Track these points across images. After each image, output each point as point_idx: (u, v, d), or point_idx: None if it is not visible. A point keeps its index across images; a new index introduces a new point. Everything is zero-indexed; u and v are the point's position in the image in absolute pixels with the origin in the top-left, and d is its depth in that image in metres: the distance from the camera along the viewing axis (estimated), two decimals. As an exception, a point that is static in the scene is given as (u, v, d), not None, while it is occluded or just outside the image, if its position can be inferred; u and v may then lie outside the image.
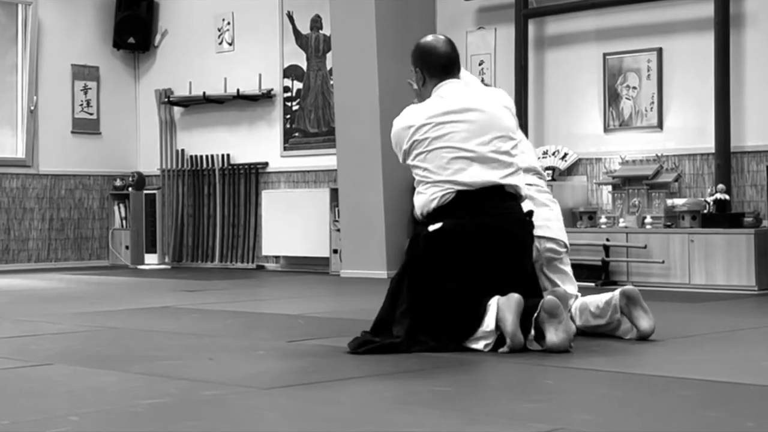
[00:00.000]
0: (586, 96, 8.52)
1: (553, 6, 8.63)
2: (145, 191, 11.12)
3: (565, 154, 8.44)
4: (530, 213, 4.34)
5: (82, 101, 11.14)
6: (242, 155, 10.66)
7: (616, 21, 8.39)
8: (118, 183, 11.23)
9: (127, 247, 11.13)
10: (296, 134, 10.28)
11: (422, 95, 4.43)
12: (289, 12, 10.29)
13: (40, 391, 3.32)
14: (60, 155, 10.93)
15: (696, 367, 3.79)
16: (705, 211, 7.53)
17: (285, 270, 10.18)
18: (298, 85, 10.25)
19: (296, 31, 10.24)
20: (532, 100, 8.71)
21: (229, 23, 10.76)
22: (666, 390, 3.26)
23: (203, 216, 10.90)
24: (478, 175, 4.20)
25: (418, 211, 4.30)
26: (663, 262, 7.50)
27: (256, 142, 10.58)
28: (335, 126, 9.38)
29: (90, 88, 11.20)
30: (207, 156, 10.87)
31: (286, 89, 10.35)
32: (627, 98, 8.29)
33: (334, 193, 9.54)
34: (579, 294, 4.64)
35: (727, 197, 7.49)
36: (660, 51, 8.14)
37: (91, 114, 11.22)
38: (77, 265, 10.90)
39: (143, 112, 11.51)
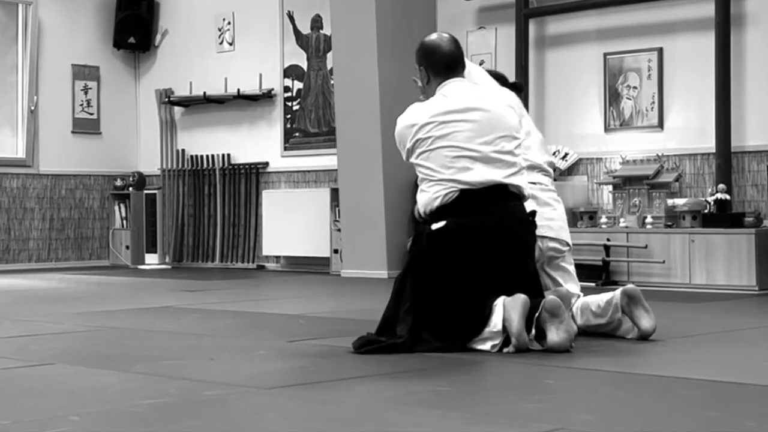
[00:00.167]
0: (586, 96, 8.51)
1: (554, 6, 8.63)
2: (146, 191, 11.12)
3: (566, 154, 8.44)
4: (533, 213, 4.34)
5: (82, 101, 11.14)
6: (243, 155, 10.66)
7: (616, 21, 8.38)
8: (118, 183, 11.23)
9: (127, 247, 11.13)
10: (297, 134, 10.28)
11: (427, 93, 4.42)
12: (289, 12, 10.29)
13: (41, 391, 3.32)
14: (60, 155, 10.93)
15: (697, 367, 3.79)
16: (706, 211, 7.53)
17: (285, 270, 10.18)
18: (298, 84, 10.25)
19: (297, 31, 10.24)
20: (532, 100, 8.71)
21: (229, 23, 10.76)
22: (667, 390, 3.26)
23: (204, 216, 10.90)
24: (481, 175, 4.20)
25: (421, 209, 4.30)
26: (663, 262, 7.50)
27: (257, 142, 10.58)
28: (336, 126, 9.38)
29: (90, 88, 11.20)
30: (207, 156, 10.87)
31: (286, 89, 10.34)
32: (627, 98, 8.29)
33: (335, 193, 9.54)
34: (581, 294, 4.64)
35: (728, 197, 7.49)
36: (660, 51, 8.13)
37: (92, 114, 11.22)
38: (78, 265, 10.90)
39: (144, 112, 11.51)
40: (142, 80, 11.54)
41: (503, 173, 4.23)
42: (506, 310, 4.00)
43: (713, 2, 7.72)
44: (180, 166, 11.07)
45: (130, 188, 11.15)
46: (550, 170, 4.82)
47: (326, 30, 9.92)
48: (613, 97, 8.36)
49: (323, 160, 10.00)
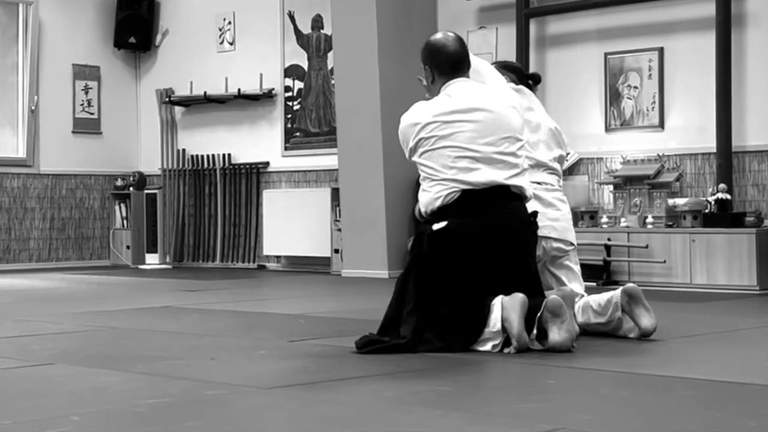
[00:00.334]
0: (587, 95, 8.51)
1: (555, 5, 8.63)
2: (146, 191, 11.11)
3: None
4: (534, 213, 4.33)
5: (83, 101, 11.14)
6: (243, 155, 10.66)
7: (617, 20, 8.38)
8: (119, 183, 11.23)
9: (128, 247, 11.12)
10: (297, 134, 10.28)
11: (431, 93, 4.42)
12: (290, 11, 10.29)
13: (41, 391, 3.32)
14: (61, 155, 10.93)
15: (697, 366, 3.79)
16: (706, 211, 7.52)
17: (286, 270, 10.17)
18: (299, 84, 10.25)
19: (297, 31, 10.24)
20: (533, 99, 8.70)
21: (230, 23, 10.76)
22: (668, 390, 3.26)
23: (204, 216, 10.90)
24: (483, 175, 4.19)
25: (422, 209, 4.29)
26: (664, 261, 7.50)
27: (257, 141, 10.58)
28: (336, 125, 9.38)
29: (91, 88, 11.19)
30: (208, 156, 10.87)
31: (287, 89, 10.34)
32: (628, 98, 8.29)
33: (335, 193, 9.53)
34: (585, 294, 4.63)
35: (729, 197, 7.49)
36: (661, 50, 8.13)
37: (92, 114, 11.22)
38: (78, 265, 10.90)
39: (144, 112, 11.51)
40: (142, 80, 11.54)
41: (505, 174, 4.22)
42: (505, 310, 4.00)
43: (714, 2, 7.71)
44: (180, 165, 11.07)
45: (131, 188, 11.15)
46: (558, 167, 4.76)
47: (327, 30, 9.92)
48: (613, 96, 8.36)
49: (324, 159, 10.00)
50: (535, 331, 4.00)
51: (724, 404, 3.06)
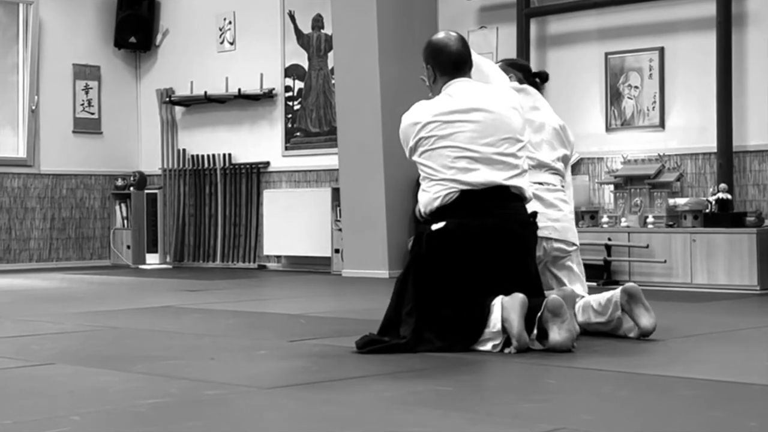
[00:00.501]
0: (587, 95, 8.51)
1: (555, 5, 8.63)
2: (147, 191, 11.11)
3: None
4: (534, 214, 4.32)
5: (83, 101, 11.14)
6: (243, 155, 10.66)
7: (617, 20, 8.38)
8: (119, 182, 11.22)
9: (128, 247, 11.12)
10: (298, 134, 10.28)
11: (433, 92, 4.41)
12: (290, 11, 10.28)
13: (42, 390, 3.32)
14: (61, 155, 10.93)
15: (698, 366, 3.79)
16: (707, 211, 7.52)
17: (286, 270, 10.17)
18: (299, 84, 10.25)
19: (298, 31, 10.23)
20: (533, 99, 8.70)
21: (230, 23, 10.76)
22: (668, 390, 3.25)
23: (205, 216, 10.90)
24: (481, 176, 4.19)
25: (421, 209, 4.29)
26: (665, 261, 7.49)
27: (258, 141, 10.58)
28: (337, 125, 9.38)
29: (91, 88, 11.19)
30: (208, 155, 10.87)
31: (287, 89, 10.34)
32: (629, 97, 8.28)
33: (336, 193, 9.53)
34: (586, 294, 4.62)
35: (729, 197, 7.49)
36: (662, 50, 8.13)
37: (93, 113, 11.22)
38: (78, 265, 10.90)
39: (144, 112, 11.51)
40: (143, 80, 11.53)
41: (504, 175, 4.22)
42: (505, 310, 4.00)
43: (714, 2, 7.71)
44: (181, 165, 11.07)
45: (131, 188, 11.15)
46: (560, 167, 4.72)
47: (327, 29, 9.92)
48: (614, 96, 8.36)
49: (324, 159, 10.00)
50: (535, 331, 4.00)
51: (725, 404, 3.06)
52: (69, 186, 11.01)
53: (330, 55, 9.84)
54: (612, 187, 8.19)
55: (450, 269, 4.12)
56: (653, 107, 8.15)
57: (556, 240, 4.58)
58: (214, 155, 10.83)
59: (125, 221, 11.20)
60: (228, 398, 3.10)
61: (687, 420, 2.81)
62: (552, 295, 4.05)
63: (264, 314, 5.88)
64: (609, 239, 7.77)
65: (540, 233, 4.40)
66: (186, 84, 10.95)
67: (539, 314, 3.99)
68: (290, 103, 10.32)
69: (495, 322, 4.01)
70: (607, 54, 8.41)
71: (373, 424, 2.77)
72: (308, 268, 9.96)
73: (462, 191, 4.18)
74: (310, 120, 10.18)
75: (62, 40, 10.97)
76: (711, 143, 7.79)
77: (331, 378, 3.51)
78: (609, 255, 7.75)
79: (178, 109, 11.23)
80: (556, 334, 3.97)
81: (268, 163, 10.49)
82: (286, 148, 10.37)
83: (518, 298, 3.99)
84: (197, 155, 10.95)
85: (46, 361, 3.91)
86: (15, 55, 10.71)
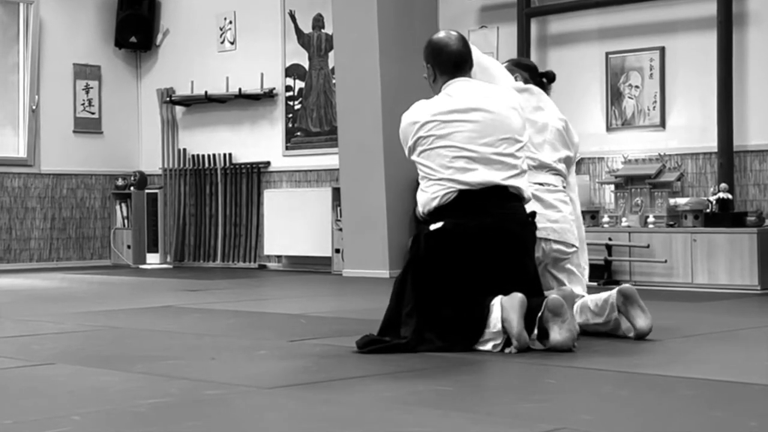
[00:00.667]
0: (588, 95, 8.51)
1: (556, 5, 8.63)
2: (147, 191, 11.11)
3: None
4: (533, 214, 4.32)
5: (83, 100, 11.14)
6: (244, 154, 10.66)
7: (618, 20, 8.38)
8: (119, 182, 11.22)
9: (128, 247, 11.12)
10: (298, 133, 10.28)
11: (433, 91, 4.41)
12: (291, 11, 10.28)
13: (42, 390, 3.32)
14: (62, 154, 10.93)
15: (698, 366, 3.79)
16: (707, 211, 7.52)
17: (287, 269, 10.17)
18: (300, 84, 10.25)
19: (298, 30, 10.23)
20: (534, 99, 8.70)
21: (231, 22, 10.76)
22: (669, 390, 3.25)
23: (205, 215, 10.90)
24: (479, 176, 4.18)
25: (420, 209, 4.29)
26: (665, 261, 7.49)
27: (258, 141, 10.58)
28: (337, 125, 9.38)
29: (92, 88, 11.20)
30: (209, 155, 10.87)
31: (288, 88, 10.34)
32: (629, 97, 8.28)
33: (336, 193, 9.53)
34: (586, 295, 4.61)
35: (730, 196, 7.48)
36: (663, 50, 8.13)
37: (93, 113, 11.22)
38: (79, 265, 10.90)
39: (145, 112, 11.51)
40: (143, 79, 11.54)
41: (503, 175, 4.21)
42: (504, 310, 3.99)
43: (715, 1, 7.71)
44: (181, 165, 11.07)
45: (132, 188, 11.14)
46: (562, 168, 4.69)
47: (328, 29, 9.92)
48: (615, 96, 8.35)
49: (325, 159, 10.00)
50: (536, 331, 4.00)
51: (726, 404, 3.05)
52: (69, 186, 11.01)
53: (330, 54, 9.84)
54: (613, 186, 8.19)
55: (448, 269, 4.11)
56: (654, 107, 8.15)
57: (555, 241, 4.56)
58: (214, 155, 10.83)
59: (126, 221, 11.20)
60: (228, 398, 3.10)
61: (687, 420, 2.81)
62: (552, 295, 4.05)
63: (264, 314, 5.87)
64: (610, 239, 7.77)
65: (539, 234, 4.39)
66: (186, 84, 10.95)
67: (540, 314, 3.99)
68: (291, 103, 10.32)
69: (495, 322, 4.01)
70: (607, 54, 8.40)
71: (373, 424, 2.77)
72: (309, 268, 9.96)
73: (460, 191, 4.18)
74: (311, 120, 10.18)
75: (63, 40, 10.97)
76: (712, 143, 7.79)
77: (331, 378, 3.51)
78: (610, 255, 7.75)
79: (179, 109, 11.23)
80: (557, 334, 3.97)
81: (268, 163, 10.49)
82: (287, 148, 10.36)
83: (517, 297, 3.99)
84: (198, 155, 10.95)
85: (47, 361, 3.91)
86: (15, 54, 10.71)
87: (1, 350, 4.24)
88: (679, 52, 8.07)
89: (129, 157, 11.47)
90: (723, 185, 7.51)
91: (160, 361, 3.93)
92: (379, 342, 4.06)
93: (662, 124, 8.12)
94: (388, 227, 8.85)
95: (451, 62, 4.34)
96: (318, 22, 10.09)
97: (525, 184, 4.30)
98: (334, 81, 9.63)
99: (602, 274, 7.71)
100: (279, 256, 10.33)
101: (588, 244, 7.62)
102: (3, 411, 2.94)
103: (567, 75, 8.61)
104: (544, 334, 4.01)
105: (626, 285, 4.42)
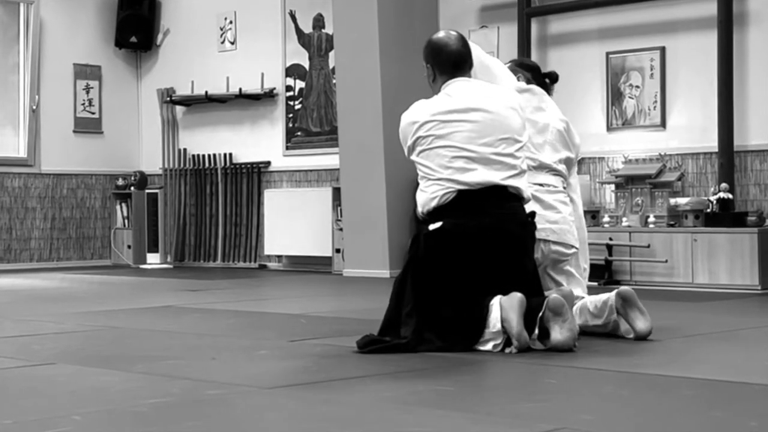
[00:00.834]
0: (589, 95, 8.51)
1: (556, 5, 8.63)
2: (147, 190, 11.11)
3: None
4: (532, 214, 4.31)
5: (84, 100, 11.14)
6: (244, 154, 10.66)
7: (619, 20, 8.38)
8: (120, 182, 11.22)
9: (129, 247, 11.12)
10: (299, 133, 10.28)
11: (433, 91, 4.41)
12: (291, 11, 10.28)
13: (42, 390, 3.32)
14: (62, 154, 10.93)
15: (699, 366, 3.78)
16: (708, 210, 7.52)
17: (287, 269, 10.17)
18: (300, 84, 10.25)
19: (299, 30, 10.23)
20: (534, 99, 8.69)
21: (231, 22, 10.76)
22: (669, 390, 3.25)
23: (205, 215, 10.90)
24: (478, 176, 4.18)
25: (419, 209, 4.29)
26: (666, 261, 7.49)
27: (259, 141, 10.58)
28: (338, 125, 9.37)
29: (92, 88, 11.20)
30: (209, 155, 10.87)
31: (288, 88, 10.34)
32: (630, 97, 8.28)
33: (337, 192, 9.53)
34: (585, 296, 4.60)
35: (731, 196, 7.48)
36: (663, 50, 8.13)
37: (93, 113, 11.22)
38: (79, 265, 10.90)
39: (145, 112, 11.51)
40: (143, 79, 11.54)
41: (502, 175, 4.20)
42: (504, 310, 3.99)
43: (716, 1, 7.71)
44: (182, 165, 11.07)
45: (132, 188, 11.14)
46: (562, 169, 4.68)
47: (328, 29, 9.92)
48: (615, 96, 8.35)
49: (325, 159, 10.00)
50: (536, 331, 4.00)
51: (726, 404, 3.05)
52: (70, 186, 11.01)
53: (331, 54, 9.84)
54: (613, 186, 8.18)
55: (447, 269, 4.11)
56: (654, 107, 8.15)
57: (554, 242, 4.54)
58: (214, 155, 10.83)
59: (126, 221, 11.20)
60: (228, 398, 3.10)
61: (687, 420, 2.81)
62: (553, 295, 4.04)
63: (264, 314, 5.87)
64: (610, 239, 7.77)
65: (538, 235, 4.38)
66: (187, 83, 10.95)
67: (540, 314, 3.98)
68: (291, 103, 10.32)
69: (494, 322, 4.01)
70: (608, 53, 8.40)
71: (373, 424, 2.77)
72: (309, 268, 9.96)
73: (459, 191, 4.17)
74: (311, 119, 10.18)
75: (63, 40, 10.97)
76: (712, 143, 7.78)
77: (332, 378, 3.51)
78: (610, 255, 7.75)
79: (179, 109, 11.23)
80: (558, 334, 3.97)
81: (268, 163, 10.49)
82: (287, 148, 10.36)
83: (516, 297, 3.99)
84: (198, 155, 10.95)
85: (47, 361, 3.91)
86: (16, 54, 10.71)
87: (1, 350, 4.24)
88: (679, 52, 8.07)
89: (129, 157, 11.47)
90: (723, 185, 7.51)
91: (160, 361, 3.93)
92: (379, 342, 4.06)
93: (663, 124, 8.12)
94: (388, 227, 8.85)
95: (450, 62, 4.34)
96: (318, 22, 10.09)
97: (524, 184, 4.30)
98: (334, 81, 9.63)
99: (603, 274, 7.71)
100: (279, 256, 10.33)
101: (588, 244, 7.68)
102: (3, 411, 2.94)
103: (567, 75, 8.61)
104: (544, 334, 4.01)
105: (625, 287, 4.41)
